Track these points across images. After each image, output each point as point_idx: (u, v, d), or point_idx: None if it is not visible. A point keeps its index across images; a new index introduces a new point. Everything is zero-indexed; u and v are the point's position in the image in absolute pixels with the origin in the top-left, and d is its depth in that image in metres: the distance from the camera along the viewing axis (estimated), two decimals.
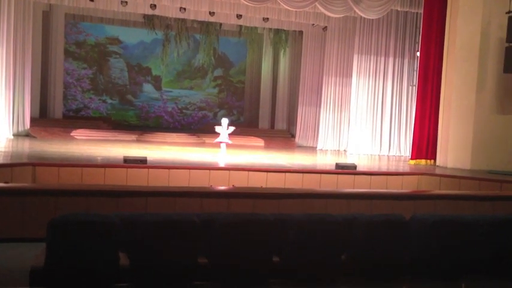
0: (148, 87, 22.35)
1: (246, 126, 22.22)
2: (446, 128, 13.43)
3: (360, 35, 17.57)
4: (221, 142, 13.05)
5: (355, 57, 17.65)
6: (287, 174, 10.34)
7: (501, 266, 4.05)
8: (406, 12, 16.89)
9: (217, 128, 13.12)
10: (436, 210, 7.43)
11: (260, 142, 19.72)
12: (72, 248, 3.25)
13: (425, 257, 3.92)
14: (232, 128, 13.13)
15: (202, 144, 18.16)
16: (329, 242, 3.75)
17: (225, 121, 13.01)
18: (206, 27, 20.99)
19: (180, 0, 15.87)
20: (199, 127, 22.35)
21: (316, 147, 19.19)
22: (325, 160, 15.01)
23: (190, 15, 17.81)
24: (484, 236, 4.10)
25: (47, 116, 19.73)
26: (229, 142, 13.03)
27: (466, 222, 4.03)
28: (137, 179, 9.28)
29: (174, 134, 19.70)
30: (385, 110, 17.78)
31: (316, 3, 14.54)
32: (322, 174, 10.54)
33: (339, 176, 10.52)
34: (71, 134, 17.88)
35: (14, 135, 16.03)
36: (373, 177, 10.75)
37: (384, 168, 12.93)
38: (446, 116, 13.41)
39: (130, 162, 9.60)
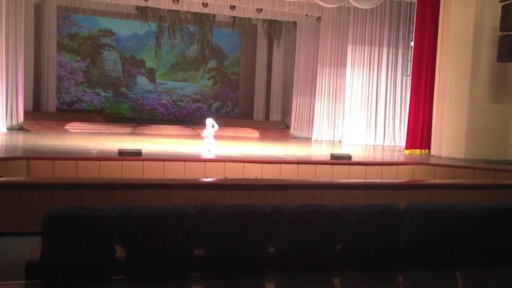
0: (142, 80, 22.26)
1: (241, 118, 22.23)
2: (440, 117, 13.45)
3: (354, 25, 17.54)
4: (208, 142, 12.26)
5: (349, 47, 17.62)
6: (282, 165, 10.36)
7: (495, 254, 4.08)
8: (400, 1, 16.88)
9: (205, 132, 12.36)
10: (430, 200, 7.47)
11: (255, 133, 19.71)
12: (68, 241, 3.24)
13: (420, 246, 3.94)
14: (216, 127, 12.36)
15: (197, 136, 18.10)
16: (324, 232, 3.77)
17: (209, 121, 12.26)
18: (199, 18, 20.89)
19: None
20: (194, 119, 22.32)
21: (311, 138, 19.21)
22: (320, 151, 15.03)
23: (183, 7, 17.72)
24: (479, 225, 4.13)
25: (41, 110, 19.64)
26: (213, 143, 12.21)
27: (461, 211, 4.05)
28: (132, 171, 9.27)
29: (168, 126, 19.69)
30: (379, 100, 17.79)
31: None
32: (317, 165, 10.55)
33: (334, 166, 10.54)
34: (65, 127, 17.82)
35: (7, 128, 15.94)
36: (368, 167, 10.78)
37: (378, 158, 12.97)
38: (441, 106, 13.43)
39: (125, 155, 9.58)
